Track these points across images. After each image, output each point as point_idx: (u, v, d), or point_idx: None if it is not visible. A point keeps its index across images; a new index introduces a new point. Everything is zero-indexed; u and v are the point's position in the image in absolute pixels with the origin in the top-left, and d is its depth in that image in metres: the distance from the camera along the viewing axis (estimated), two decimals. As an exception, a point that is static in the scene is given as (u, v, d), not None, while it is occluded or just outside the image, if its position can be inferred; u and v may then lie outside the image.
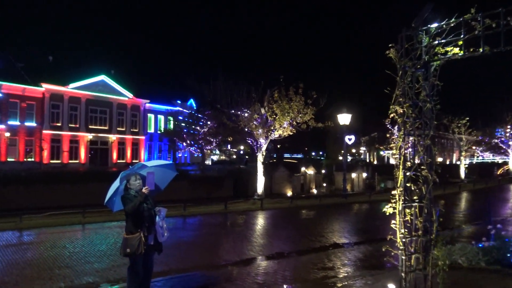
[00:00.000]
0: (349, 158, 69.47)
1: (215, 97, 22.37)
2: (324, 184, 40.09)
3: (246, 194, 26.14)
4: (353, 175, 37.19)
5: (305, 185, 37.68)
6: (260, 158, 22.32)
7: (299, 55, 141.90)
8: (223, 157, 63.19)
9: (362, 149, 65.43)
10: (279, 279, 7.67)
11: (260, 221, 15.78)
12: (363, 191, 31.00)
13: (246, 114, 21.67)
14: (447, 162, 70.79)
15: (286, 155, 65.11)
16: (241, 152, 59.79)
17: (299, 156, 68.83)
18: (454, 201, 23.68)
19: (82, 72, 42.42)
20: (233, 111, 22.10)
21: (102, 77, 44.07)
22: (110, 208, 6.26)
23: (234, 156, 65.73)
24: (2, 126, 36.12)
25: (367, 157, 66.99)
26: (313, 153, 74.94)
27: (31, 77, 38.68)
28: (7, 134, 36.47)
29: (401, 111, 5.99)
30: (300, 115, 20.43)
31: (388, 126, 24.79)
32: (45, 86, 39.04)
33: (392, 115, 6.17)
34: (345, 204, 21.70)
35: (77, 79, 41.67)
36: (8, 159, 36.74)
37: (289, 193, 33.49)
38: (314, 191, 37.37)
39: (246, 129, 21.82)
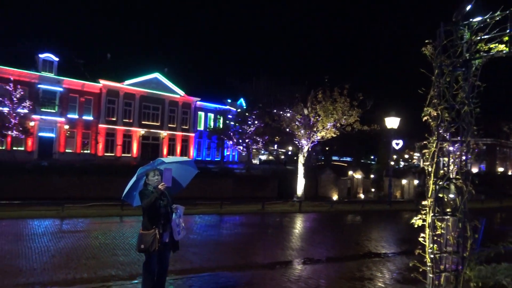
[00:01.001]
0: (402, 163, 66.78)
1: (257, 96, 22.22)
2: (373, 190, 38.82)
3: (290, 195, 25.77)
4: (404, 181, 35.69)
5: (352, 189, 36.69)
6: (301, 159, 21.85)
7: (347, 56, 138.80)
8: (271, 157, 63.14)
9: (416, 154, 62.65)
10: (302, 286, 7.32)
11: (295, 224, 15.40)
12: (413, 198, 29.58)
13: (288, 114, 21.32)
14: (510, 173, 65.99)
15: (334, 158, 63.73)
16: (289, 152, 59.33)
17: (348, 159, 67.16)
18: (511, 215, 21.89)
19: (137, 69, 44.01)
20: (275, 111, 21.82)
21: (156, 75, 45.45)
22: (129, 203, 6.23)
23: (283, 157, 65.41)
24: (62, 119, 38.28)
25: (421, 163, 64.07)
26: (364, 157, 72.81)
27: (90, 73, 40.69)
28: (66, 127, 38.63)
29: (435, 114, 5.46)
30: (344, 116, 19.77)
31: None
32: (103, 82, 40.90)
33: (425, 118, 5.65)
34: (389, 212, 20.70)
35: (132, 76, 43.28)
36: (67, 150, 38.89)
37: (335, 197, 32.71)
38: (361, 196, 36.27)
39: (287, 130, 21.47)
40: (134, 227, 12.87)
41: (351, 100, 19.67)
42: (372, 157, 68.58)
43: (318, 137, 20.88)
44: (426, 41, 5.57)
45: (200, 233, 12.32)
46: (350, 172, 36.96)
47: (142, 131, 44.82)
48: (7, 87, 31.08)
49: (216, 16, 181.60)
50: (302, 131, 20.86)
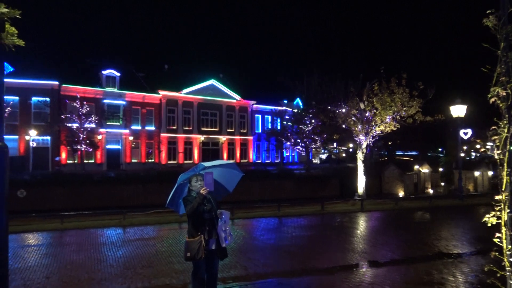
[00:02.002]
0: (474, 154, 62.50)
1: (309, 93, 21.62)
2: (442, 184, 36.67)
3: (352, 194, 24.85)
4: (477, 173, 33.19)
5: (419, 184, 34.84)
6: (360, 156, 20.89)
7: (403, 43, 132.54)
8: (333, 156, 61.99)
9: (489, 144, 58.12)
10: (362, 293, 6.76)
11: (357, 224, 14.63)
12: (488, 191, 27.29)
13: (343, 110, 20.47)
14: None
15: (398, 153, 61.05)
16: (350, 150, 57.76)
17: (414, 153, 64.02)
18: None
19: (193, 77, 45.21)
20: (329, 107, 21.07)
21: (212, 82, 46.33)
22: (173, 210, 6.18)
23: (344, 155, 64.00)
24: (127, 131, 40.15)
25: (491, 152, 59.40)
26: (432, 150, 69.06)
27: (149, 85, 42.39)
28: (131, 138, 40.45)
29: (504, 94, 4.70)
30: (404, 108, 18.57)
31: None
32: (162, 93, 42.42)
33: (492, 99, 4.89)
34: (461, 207, 19.06)
35: (189, 84, 44.49)
36: (133, 161, 40.72)
37: (401, 193, 31.16)
38: (430, 191, 34.36)
39: (344, 126, 20.63)
40: (191, 233, 12.88)
41: (411, 90, 18.46)
42: (440, 149, 64.92)
43: (377, 132, 19.83)
44: (488, 11, 4.82)
45: (256, 238, 12.06)
46: (416, 167, 35.08)
47: (201, 138, 45.82)
48: (75, 104, 33.13)
49: (264, 16, 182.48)
50: (359, 127, 19.91)
